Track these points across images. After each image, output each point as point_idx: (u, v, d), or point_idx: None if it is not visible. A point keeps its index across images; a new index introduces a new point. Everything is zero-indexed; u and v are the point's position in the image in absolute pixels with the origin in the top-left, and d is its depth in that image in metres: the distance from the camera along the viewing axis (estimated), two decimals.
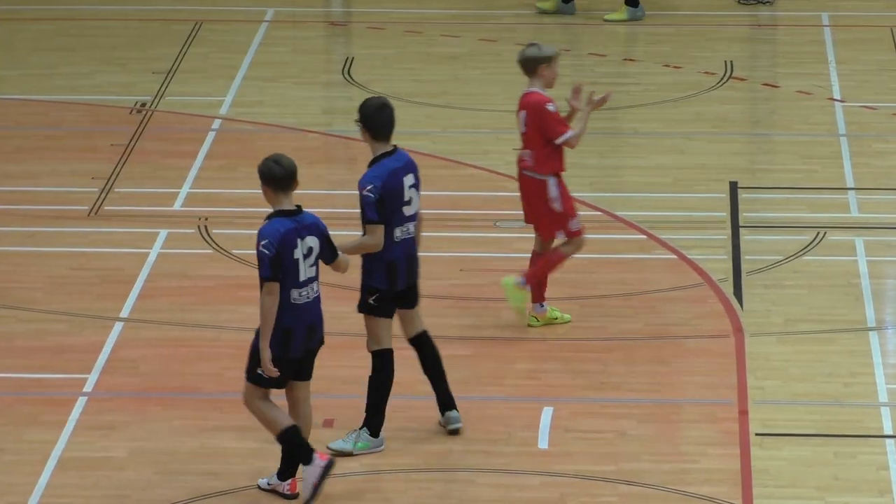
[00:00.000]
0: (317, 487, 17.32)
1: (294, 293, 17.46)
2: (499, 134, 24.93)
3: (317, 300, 17.78)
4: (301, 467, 17.43)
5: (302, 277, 17.57)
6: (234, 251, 22.15)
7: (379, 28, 29.52)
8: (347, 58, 28.30)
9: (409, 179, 18.55)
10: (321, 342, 17.93)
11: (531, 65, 20.47)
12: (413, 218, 18.53)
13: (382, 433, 17.80)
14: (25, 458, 17.72)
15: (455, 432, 18.36)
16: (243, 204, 23.46)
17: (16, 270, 21.63)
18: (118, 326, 20.18)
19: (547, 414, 18.25)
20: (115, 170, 23.76)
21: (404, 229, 18.49)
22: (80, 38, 28.76)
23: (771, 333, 20.21)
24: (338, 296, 20.47)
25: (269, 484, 17.64)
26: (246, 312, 20.38)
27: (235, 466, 17.61)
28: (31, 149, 24.87)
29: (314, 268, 17.71)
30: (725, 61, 28.08)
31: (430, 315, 18.47)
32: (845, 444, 17.99)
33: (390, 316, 18.44)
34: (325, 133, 25.77)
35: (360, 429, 18.06)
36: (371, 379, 18.33)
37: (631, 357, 19.64)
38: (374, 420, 18.27)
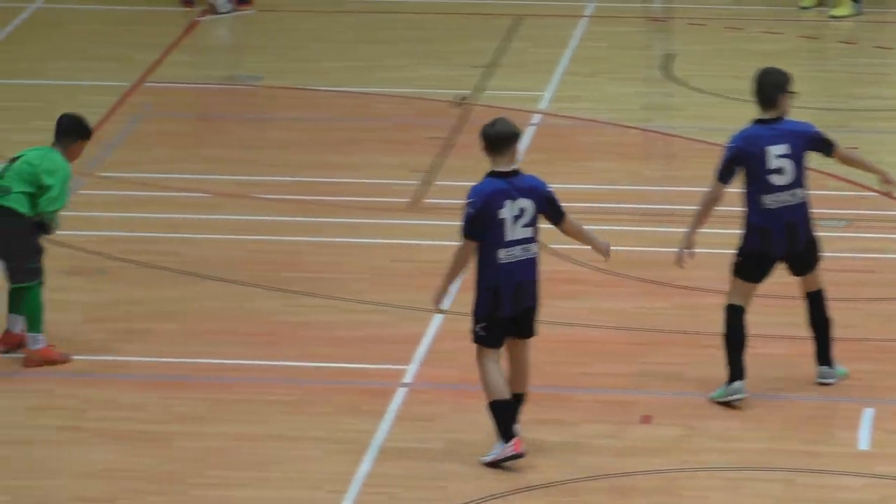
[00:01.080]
0: (494, 464, 17.44)
1: (501, 253, 17.46)
2: None
3: (530, 262, 17.65)
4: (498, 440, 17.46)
5: (508, 238, 17.53)
6: (552, 246, 21.49)
7: (700, 24, 29.27)
8: (667, 54, 28.41)
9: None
10: (533, 302, 17.77)
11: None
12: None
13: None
14: (345, 446, 17.82)
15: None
16: (563, 198, 22.91)
17: (339, 261, 21.82)
18: (437, 318, 20.15)
19: (868, 415, 17.99)
20: (435, 162, 23.92)
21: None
22: (402, 32, 29.06)
23: None
24: (650, 291, 20.54)
25: (493, 457, 17.57)
26: (560, 306, 20.40)
27: (551, 459, 17.55)
28: (352, 140, 25.05)
29: (528, 229, 17.59)
30: None
31: (749, 312, 18.28)
32: None
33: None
34: (644, 129, 25.51)
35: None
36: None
37: None
38: None
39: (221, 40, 29.55)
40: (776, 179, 18.53)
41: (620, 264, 21.13)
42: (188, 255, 21.77)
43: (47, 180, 19.21)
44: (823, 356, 18.78)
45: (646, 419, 18.31)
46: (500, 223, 17.57)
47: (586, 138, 24.97)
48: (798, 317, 19.62)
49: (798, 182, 18.53)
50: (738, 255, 18.06)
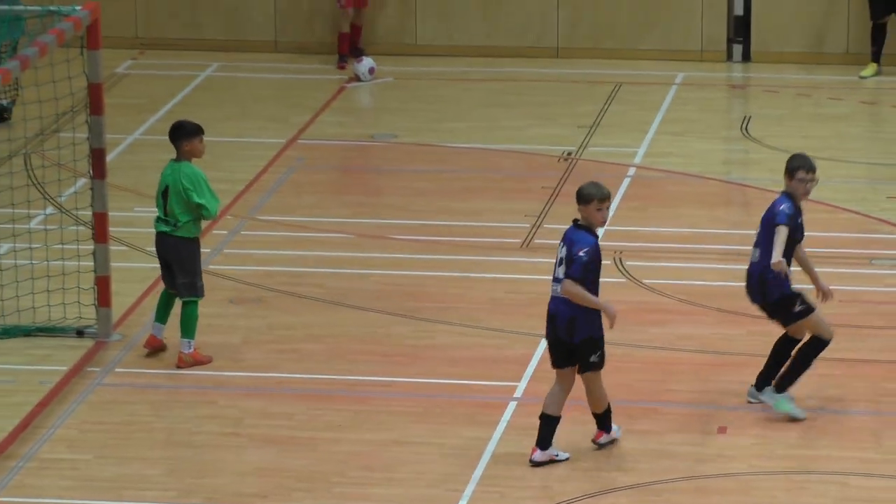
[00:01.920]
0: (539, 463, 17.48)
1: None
2: (874, 184, 25.06)
3: (554, 299, 17.49)
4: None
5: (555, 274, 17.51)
6: (644, 280, 21.95)
7: (773, 91, 29.14)
8: (745, 116, 28.17)
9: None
10: (557, 334, 17.55)
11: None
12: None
13: None
14: (463, 451, 17.86)
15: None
16: (654, 240, 23.52)
17: (461, 293, 21.76)
18: (543, 342, 19.45)
19: None
20: (544, 209, 23.87)
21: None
22: (518, 97, 28.89)
23: None
24: (726, 319, 20.50)
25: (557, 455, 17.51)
26: (652, 333, 20.54)
27: (639, 464, 17.62)
28: (473, 189, 25.05)
29: (559, 269, 17.40)
30: None
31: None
32: None
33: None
34: (724, 180, 25.54)
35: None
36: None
37: None
38: None
39: (363, 104, 29.25)
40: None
41: (701, 296, 21.39)
42: (333, 286, 21.70)
43: (197, 199, 19.23)
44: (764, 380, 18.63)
45: (722, 430, 18.29)
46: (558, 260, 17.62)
47: (674, 188, 25.08)
48: (849, 342, 19.62)
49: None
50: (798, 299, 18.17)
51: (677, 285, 21.57)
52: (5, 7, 22.99)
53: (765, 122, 27.44)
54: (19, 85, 24.33)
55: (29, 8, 21.98)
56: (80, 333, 19.85)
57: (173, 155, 19.42)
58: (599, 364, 17.46)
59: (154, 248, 19.78)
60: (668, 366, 19.95)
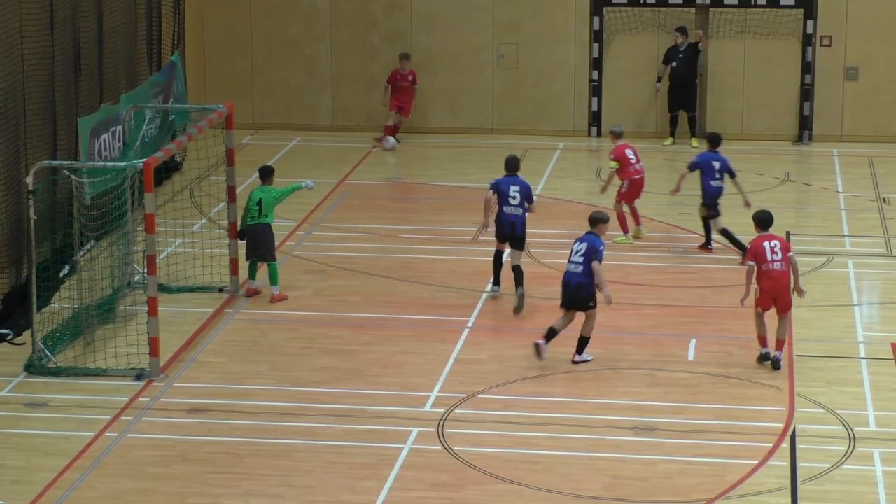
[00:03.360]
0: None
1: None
2: (672, 206, 23.43)
3: (572, 273, 17.16)
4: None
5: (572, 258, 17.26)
6: (542, 259, 21.07)
7: None
8: (598, 168, 25.81)
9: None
10: (569, 293, 17.14)
11: None
12: (573, 263, 17.30)
13: None
14: (439, 357, 17.63)
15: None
16: (545, 236, 22.03)
17: (436, 266, 20.97)
18: (485, 295, 19.78)
19: None
20: (485, 220, 20.54)
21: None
22: (473, 156, 26.97)
23: None
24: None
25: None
26: (546, 290, 19.22)
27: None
28: (445, 208, 23.86)
29: (576, 256, 17.18)
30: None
31: None
32: None
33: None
34: (585, 203, 23.49)
35: None
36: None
37: None
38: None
39: (386, 159, 27.33)
40: None
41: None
42: (364, 263, 21.13)
43: (287, 189, 19.48)
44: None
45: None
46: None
47: (557, 208, 23.50)
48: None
49: None
50: None
51: (561, 262, 20.15)
52: (185, 105, 23.58)
53: (608, 170, 23.99)
54: (187, 149, 24.03)
55: (195, 106, 22.52)
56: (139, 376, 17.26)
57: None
58: (594, 307, 17.33)
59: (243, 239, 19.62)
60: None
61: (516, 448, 15.09)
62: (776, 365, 17.06)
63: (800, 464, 14.64)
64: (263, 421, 15.79)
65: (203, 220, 23.03)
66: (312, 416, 15.90)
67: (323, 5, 28.46)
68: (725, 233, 21.14)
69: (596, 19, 27.82)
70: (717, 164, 21.07)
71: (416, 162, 26.82)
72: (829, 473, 14.48)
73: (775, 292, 17.01)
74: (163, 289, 19.18)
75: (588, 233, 17.42)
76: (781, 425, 15.56)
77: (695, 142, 27.29)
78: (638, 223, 22.04)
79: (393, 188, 25.23)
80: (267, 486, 14.31)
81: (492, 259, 19.92)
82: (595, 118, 28.15)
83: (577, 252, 17.17)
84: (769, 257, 17.01)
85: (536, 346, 17.29)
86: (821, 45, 27.36)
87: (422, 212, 23.93)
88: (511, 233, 19.01)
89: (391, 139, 27.43)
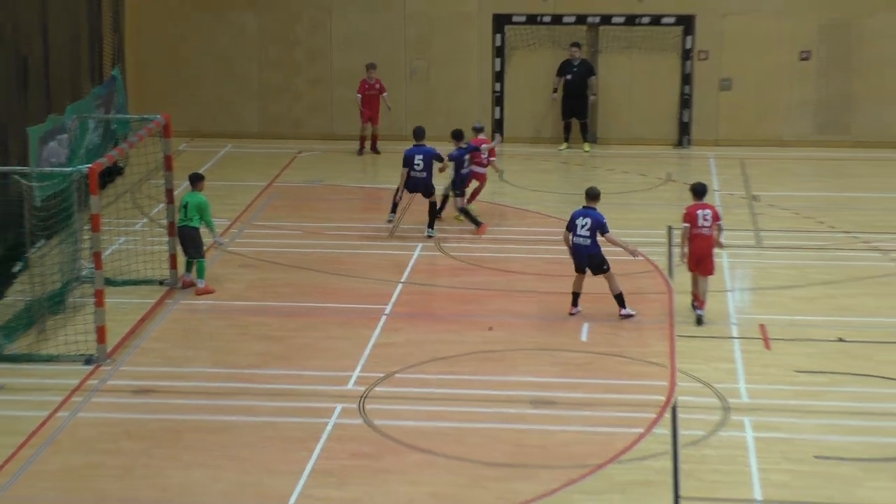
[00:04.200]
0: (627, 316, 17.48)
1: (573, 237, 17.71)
2: (568, 202, 22.59)
3: (581, 245, 17.63)
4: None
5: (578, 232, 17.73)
6: (451, 253, 21.08)
7: (514, 157, 26.82)
8: (502, 170, 24.91)
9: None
10: (582, 261, 17.67)
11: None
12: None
13: None
14: (359, 340, 17.53)
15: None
16: (463, 233, 22.01)
17: (359, 260, 20.70)
18: (401, 285, 19.64)
19: None
20: (400, 216, 22.54)
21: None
22: (384, 160, 26.44)
23: None
24: (483, 271, 19.89)
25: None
26: (453, 280, 19.64)
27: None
28: (363, 207, 23.72)
29: (583, 230, 17.64)
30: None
31: None
32: None
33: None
34: (490, 202, 23.50)
35: None
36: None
37: None
38: None
39: (309, 163, 26.65)
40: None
41: (478, 259, 20.42)
42: (293, 258, 20.75)
43: (207, 214, 19.19)
44: None
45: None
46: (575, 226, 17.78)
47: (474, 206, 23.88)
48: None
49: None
50: None
51: (469, 256, 21.00)
52: (125, 116, 23.26)
53: (510, 173, 25.47)
54: (128, 155, 23.13)
55: (134, 116, 22.11)
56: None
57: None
58: (608, 269, 17.87)
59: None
60: (468, 295, 19.38)
61: (429, 421, 15.14)
62: (699, 320, 17.75)
63: (680, 431, 14.84)
64: (202, 400, 15.77)
65: (144, 220, 22.82)
66: (247, 395, 15.89)
67: (251, 24, 28.23)
68: (464, 211, 21.97)
69: (498, 36, 27.75)
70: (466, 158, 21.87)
71: (338, 166, 26.45)
72: (706, 440, 14.70)
73: (700, 254, 17.56)
74: (108, 282, 18.98)
75: (586, 207, 17.86)
76: (664, 398, 15.76)
77: (587, 146, 27.30)
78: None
79: (317, 190, 24.86)
80: (207, 458, 14.32)
81: (404, 253, 20.68)
82: (498, 126, 28.05)
83: (583, 227, 17.68)
84: (700, 223, 17.60)
85: (572, 315, 17.84)
86: (698, 59, 27.46)
87: (344, 211, 23.53)
88: (416, 189, 21.23)
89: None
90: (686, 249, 17.60)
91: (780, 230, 21.98)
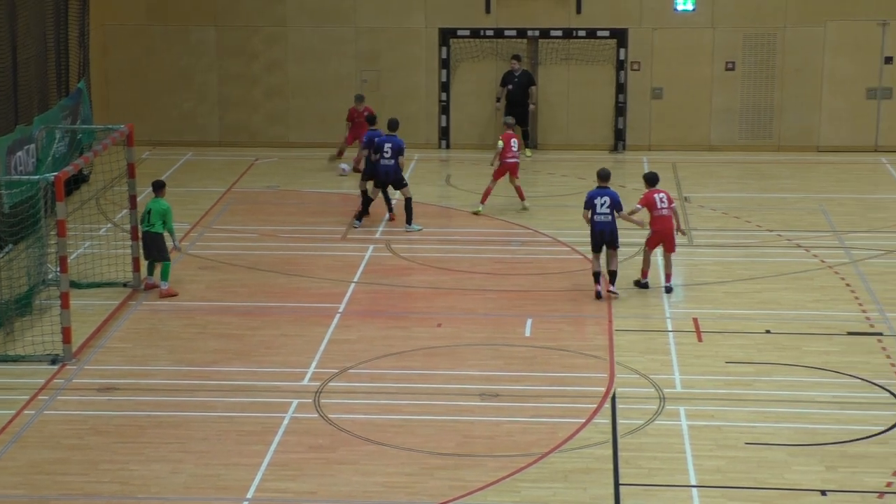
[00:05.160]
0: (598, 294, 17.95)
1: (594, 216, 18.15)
2: (532, 204, 23.38)
3: (603, 222, 18.01)
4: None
5: (598, 210, 18.14)
6: (401, 254, 20.97)
7: (461, 162, 26.84)
8: (448, 174, 25.47)
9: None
10: (604, 238, 18.09)
11: None
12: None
13: None
14: (314, 338, 17.43)
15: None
16: (406, 234, 21.98)
17: (313, 261, 20.56)
18: (353, 284, 19.60)
19: None
20: (351, 221, 22.37)
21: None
22: (331, 165, 26.36)
23: None
24: (432, 269, 20.02)
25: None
26: (399, 280, 19.54)
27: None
28: (318, 212, 23.26)
29: (603, 207, 18.06)
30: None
31: None
32: None
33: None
34: (438, 206, 23.49)
35: None
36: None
37: None
38: None
39: (266, 169, 26.54)
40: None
41: (426, 258, 20.36)
42: (250, 259, 20.71)
43: (169, 221, 18.96)
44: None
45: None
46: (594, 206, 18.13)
47: (418, 209, 23.42)
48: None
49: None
50: None
51: (418, 256, 20.96)
52: (91, 126, 23.07)
53: (456, 177, 25.60)
54: (93, 164, 22.96)
55: (99, 126, 21.97)
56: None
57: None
58: (618, 246, 18.42)
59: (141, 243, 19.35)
60: (410, 291, 19.41)
61: (382, 414, 15.12)
62: (669, 290, 18.55)
63: (619, 421, 14.83)
64: (164, 397, 15.68)
65: (109, 225, 22.66)
66: (206, 392, 15.82)
67: (210, 39, 28.02)
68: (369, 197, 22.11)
69: (444, 49, 27.75)
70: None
71: (292, 172, 26.24)
72: (644, 428, 14.67)
73: (663, 234, 18.52)
74: (74, 285, 18.93)
75: (600, 187, 18.39)
76: (604, 389, 15.74)
77: (528, 152, 27.24)
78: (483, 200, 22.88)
79: (273, 195, 24.69)
80: (168, 452, 14.23)
81: (356, 254, 20.69)
82: (444, 133, 28.07)
83: (603, 205, 18.22)
84: (658, 205, 18.53)
85: (598, 293, 18.26)
86: (631, 70, 27.51)
87: (299, 215, 23.37)
88: (386, 180, 21.30)
89: (344, 165, 25.97)
90: (646, 225, 18.75)
91: (710, 229, 22.05)
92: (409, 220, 21.53)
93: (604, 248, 18.43)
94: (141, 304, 19.02)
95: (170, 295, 18.98)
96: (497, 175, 22.65)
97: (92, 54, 26.16)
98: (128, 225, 20.16)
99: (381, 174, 21.33)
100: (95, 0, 26.30)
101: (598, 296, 18.31)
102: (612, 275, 18.37)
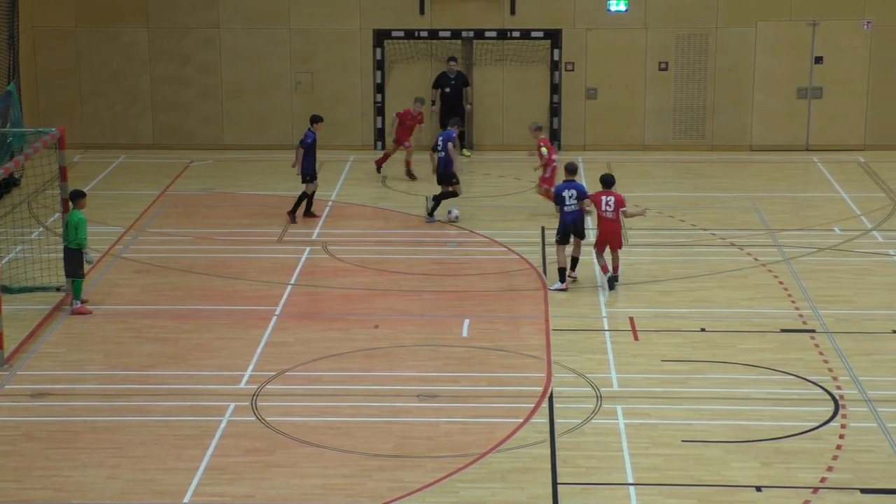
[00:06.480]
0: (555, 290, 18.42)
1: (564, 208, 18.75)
2: (500, 207, 23.36)
3: (571, 212, 18.64)
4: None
5: (566, 203, 18.81)
6: (338, 256, 20.99)
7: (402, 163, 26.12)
8: (383, 175, 25.37)
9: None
10: (576, 227, 18.69)
11: None
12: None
13: None
14: (252, 340, 17.48)
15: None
16: (350, 235, 21.97)
17: (250, 264, 20.54)
18: (290, 287, 19.68)
19: None
20: (289, 221, 22.56)
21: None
22: (282, 167, 25.86)
23: None
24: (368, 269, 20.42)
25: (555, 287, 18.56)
26: (338, 281, 19.48)
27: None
28: (255, 213, 23.28)
29: (571, 199, 18.70)
30: None
31: None
32: None
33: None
34: (377, 208, 23.47)
35: None
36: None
37: None
38: None
39: (201, 172, 26.51)
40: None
41: (372, 262, 20.40)
42: (185, 263, 20.65)
43: (81, 232, 18.52)
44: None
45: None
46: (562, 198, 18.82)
47: (351, 210, 23.43)
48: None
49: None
50: None
51: (354, 258, 20.94)
52: (21, 129, 22.82)
53: (392, 179, 25.16)
54: (24, 167, 22.56)
55: (30, 130, 21.76)
56: None
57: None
58: (584, 236, 19.19)
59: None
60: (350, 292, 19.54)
61: (319, 416, 15.10)
62: (614, 280, 18.91)
63: (557, 420, 14.89)
64: (98, 402, 15.61)
65: (41, 229, 22.54)
66: (142, 396, 15.75)
67: (142, 41, 27.91)
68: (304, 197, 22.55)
69: (378, 50, 27.74)
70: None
71: (228, 174, 26.18)
72: (581, 427, 14.77)
73: (608, 235, 18.98)
74: (6, 289, 18.77)
75: (567, 181, 19.14)
76: (541, 389, 15.79)
77: (465, 152, 27.26)
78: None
79: (208, 198, 24.60)
80: (103, 458, 14.17)
81: (292, 256, 20.76)
82: (379, 134, 28.06)
83: (571, 197, 18.97)
84: (603, 208, 19.00)
85: (566, 288, 18.76)
86: (566, 70, 27.62)
87: (234, 217, 23.26)
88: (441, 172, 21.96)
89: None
90: (647, 213, 20.00)
91: (645, 228, 22.11)
92: (430, 213, 21.95)
93: (571, 237, 19.06)
94: (74, 309, 18.92)
95: (80, 313, 18.45)
96: (548, 182, 22.40)
97: (21, 57, 26.15)
98: (60, 229, 19.96)
99: (439, 167, 21.80)
100: (24, 2, 27.07)
101: (565, 290, 18.75)
102: (574, 261, 19.03)
